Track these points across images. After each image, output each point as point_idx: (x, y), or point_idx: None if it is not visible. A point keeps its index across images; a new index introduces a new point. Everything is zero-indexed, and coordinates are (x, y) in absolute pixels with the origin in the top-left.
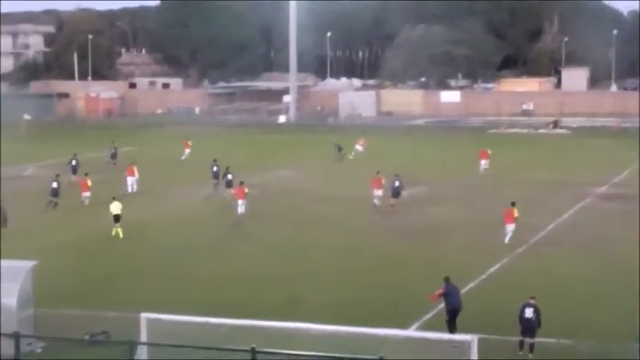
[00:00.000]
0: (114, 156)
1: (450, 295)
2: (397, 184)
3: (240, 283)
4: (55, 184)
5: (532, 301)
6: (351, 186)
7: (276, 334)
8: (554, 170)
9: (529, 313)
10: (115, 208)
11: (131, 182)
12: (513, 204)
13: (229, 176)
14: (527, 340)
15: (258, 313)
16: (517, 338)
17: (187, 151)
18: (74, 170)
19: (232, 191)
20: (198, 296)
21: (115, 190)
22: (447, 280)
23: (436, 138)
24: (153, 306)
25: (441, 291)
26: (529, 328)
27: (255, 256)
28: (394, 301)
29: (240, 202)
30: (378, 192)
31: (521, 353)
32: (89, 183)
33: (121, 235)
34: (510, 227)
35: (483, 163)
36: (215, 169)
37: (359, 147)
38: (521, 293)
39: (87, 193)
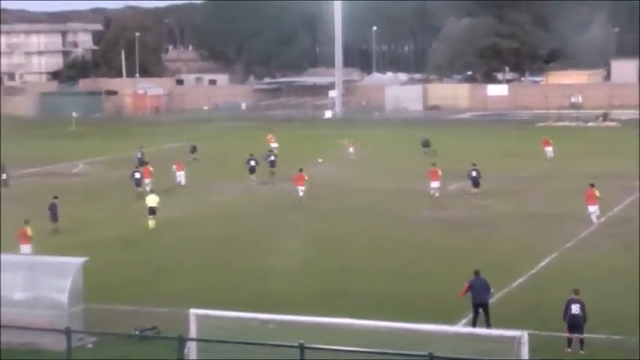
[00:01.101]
0: (194, 150)
1: (475, 290)
2: (474, 173)
3: (286, 277)
4: (137, 175)
5: (577, 297)
6: (398, 179)
7: (323, 330)
8: (604, 163)
9: (576, 309)
10: (151, 201)
11: (179, 175)
12: (592, 185)
13: (252, 162)
14: (576, 336)
15: (304, 307)
16: (567, 335)
17: (274, 145)
18: (141, 163)
19: (254, 177)
20: (243, 291)
21: (163, 184)
22: (475, 273)
23: (483, 132)
24: (201, 301)
25: (466, 285)
26: (577, 324)
27: (300, 250)
28: (441, 295)
29: (299, 188)
30: (436, 183)
31: (569, 350)
32: (151, 169)
33: (151, 227)
34: (593, 208)
35: (549, 150)
36: (253, 163)
37: (350, 149)
38: (571, 288)
39: (148, 180)
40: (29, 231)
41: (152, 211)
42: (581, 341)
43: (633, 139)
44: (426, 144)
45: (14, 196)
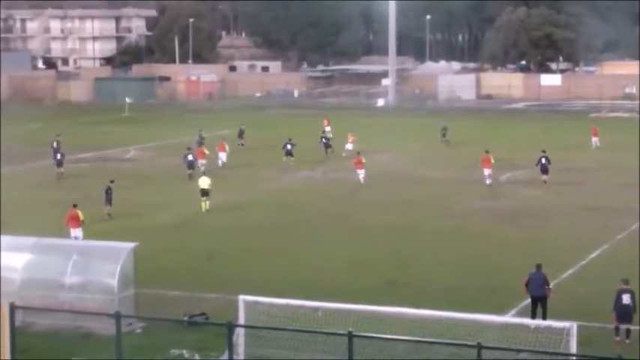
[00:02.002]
0: (241, 134)
1: (532, 283)
2: (544, 160)
3: (340, 266)
4: (190, 157)
5: (628, 286)
6: (451, 169)
7: (373, 318)
8: None
9: (626, 299)
10: (204, 182)
11: (222, 156)
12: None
13: (289, 146)
14: (624, 326)
15: (357, 296)
16: (616, 324)
17: (328, 128)
18: (199, 145)
19: (292, 159)
20: (297, 279)
21: (212, 169)
22: (537, 267)
23: (536, 122)
24: (252, 288)
25: (525, 279)
26: (627, 313)
27: (353, 239)
28: (492, 286)
29: (359, 171)
30: (489, 170)
31: (618, 339)
32: (206, 151)
33: (204, 209)
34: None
35: (595, 140)
36: (289, 147)
37: (349, 145)
38: (620, 280)
39: (203, 161)
40: (80, 214)
41: (204, 192)
42: (628, 330)
43: None
44: (444, 133)
45: (68, 180)
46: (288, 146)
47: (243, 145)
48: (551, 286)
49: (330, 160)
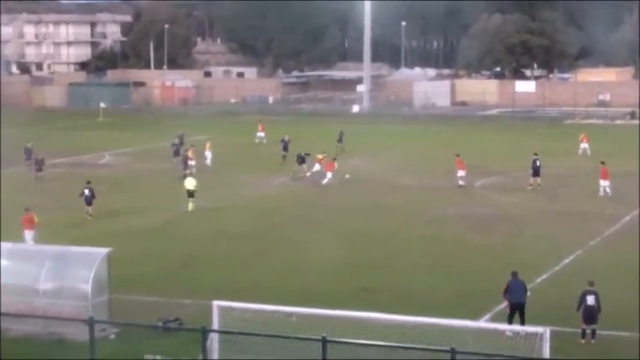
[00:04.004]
0: (180, 141)
1: (512, 291)
2: (538, 163)
3: (315, 271)
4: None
5: (592, 288)
6: (426, 175)
7: (347, 324)
8: (630, 161)
9: (591, 300)
10: (189, 183)
11: (208, 156)
12: (603, 162)
13: (302, 155)
14: (590, 327)
15: (331, 301)
16: (582, 327)
17: (261, 134)
18: (180, 144)
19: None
20: (271, 284)
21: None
22: (512, 275)
23: (511, 128)
24: (226, 293)
25: (505, 287)
26: (592, 315)
27: (329, 244)
28: (467, 291)
29: (327, 173)
30: (462, 172)
31: (583, 342)
32: (188, 153)
33: (190, 209)
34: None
35: (584, 147)
36: (302, 154)
37: (317, 166)
38: (594, 285)
39: (192, 162)
40: (35, 217)
41: (190, 193)
42: (594, 331)
43: None
44: (340, 138)
45: (43, 185)
46: (302, 155)
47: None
48: (528, 293)
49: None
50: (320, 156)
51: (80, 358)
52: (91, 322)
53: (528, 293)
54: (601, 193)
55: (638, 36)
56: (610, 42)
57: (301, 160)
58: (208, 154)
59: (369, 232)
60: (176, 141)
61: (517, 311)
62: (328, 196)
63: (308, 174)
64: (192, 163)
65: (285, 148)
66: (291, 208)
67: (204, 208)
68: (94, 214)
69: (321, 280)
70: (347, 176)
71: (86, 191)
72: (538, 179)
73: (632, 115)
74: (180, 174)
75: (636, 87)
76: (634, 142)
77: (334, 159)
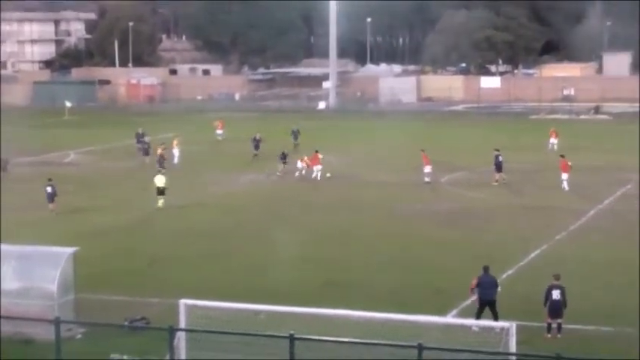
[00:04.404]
0: (140, 137)
1: (482, 287)
2: (500, 158)
3: (282, 268)
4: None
5: (558, 282)
6: (392, 171)
7: (315, 321)
8: (596, 156)
9: (556, 294)
10: (159, 181)
11: (176, 153)
12: (562, 156)
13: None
14: (555, 321)
15: (299, 298)
16: (547, 321)
17: (220, 132)
18: (139, 140)
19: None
20: (238, 282)
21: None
22: (484, 269)
23: (476, 124)
24: (194, 291)
25: (474, 282)
26: (557, 309)
27: (296, 241)
28: (434, 287)
29: (315, 167)
30: (428, 169)
31: (549, 336)
32: (160, 151)
33: (160, 205)
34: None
35: (552, 141)
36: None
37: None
38: (560, 280)
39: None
40: None
41: (160, 191)
42: (559, 325)
43: (624, 132)
44: (295, 136)
45: (7, 184)
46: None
47: (140, 150)
48: (499, 288)
49: (273, 162)
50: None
51: (46, 358)
52: (57, 322)
53: (499, 288)
54: (564, 186)
55: (601, 31)
56: (574, 37)
57: (284, 158)
58: (176, 151)
59: (337, 229)
60: (145, 139)
61: (487, 307)
62: (296, 193)
63: (297, 174)
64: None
65: (257, 147)
66: (258, 206)
67: (172, 206)
68: (59, 211)
69: (288, 277)
70: (328, 174)
71: (48, 188)
72: (502, 174)
73: (597, 110)
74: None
75: (600, 82)
76: (599, 137)
77: (316, 152)
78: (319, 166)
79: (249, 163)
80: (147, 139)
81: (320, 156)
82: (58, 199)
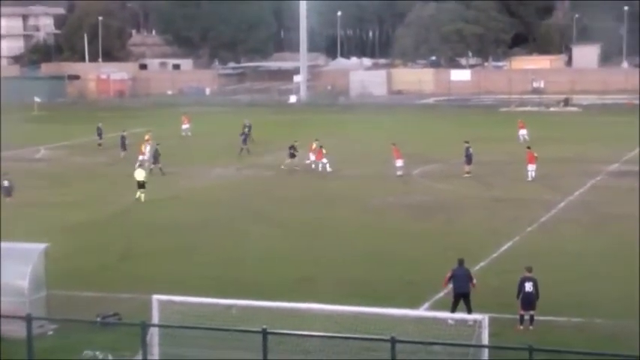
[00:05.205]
0: (99, 133)
1: (456, 279)
2: (470, 150)
3: (254, 262)
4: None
5: (530, 274)
6: (364, 165)
7: (288, 315)
8: (565, 148)
9: (529, 286)
10: (139, 175)
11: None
12: (529, 147)
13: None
14: (528, 313)
15: (271, 293)
16: (520, 313)
17: (186, 126)
18: (123, 144)
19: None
20: (211, 276)
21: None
22: (459, 262)
23: (447, 116)
24: (166, 286)
25: (448, 274)
26: (530, 301)
27: (268, 235)
28: (407, 280)
29: (320, 162)
30: (400, 162)
31: (521, 328)
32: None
33: (142, 199)
34: (532, 167)
35: (523, 133)
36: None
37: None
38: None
39: (142, 156)
40: None
41: (140, 184)
42: (532, 317)
43: (593, 123)
44: (247, 131)
45: None
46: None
47: (100, 145)
48: (475, 281)
49: (246, 157)
50: (314, 145)
51: (18, 355)
52: (28, 319)
53: (475, 281)
54: (529, 178)
55: (571, 23)
56: (543, 29)
57: (293, 150)
58: (148, 146)
59: (309, 222)
60: (124, 133)
61: (461, 299)
62: (269, 187)
63: (297, 168)
64: (141, 157)
65: (245, 141)
66: (231, 200)
67: (144, 200)
68: (27, 210)
69: (261, 271)
70: (297, 168)
71: (5, 182)
72: (470, 167)
73: (566, 102)
74: (154, 168)
75: (569, 74)
76: (569, 129)
77: (321, 147)
78: (324, 160)
79: (219, 157)
80: (124, 133)
81: (324, 151)
82: (28, 196)
